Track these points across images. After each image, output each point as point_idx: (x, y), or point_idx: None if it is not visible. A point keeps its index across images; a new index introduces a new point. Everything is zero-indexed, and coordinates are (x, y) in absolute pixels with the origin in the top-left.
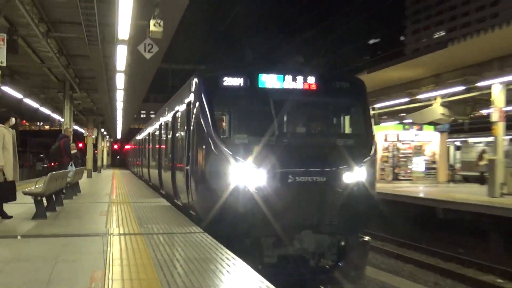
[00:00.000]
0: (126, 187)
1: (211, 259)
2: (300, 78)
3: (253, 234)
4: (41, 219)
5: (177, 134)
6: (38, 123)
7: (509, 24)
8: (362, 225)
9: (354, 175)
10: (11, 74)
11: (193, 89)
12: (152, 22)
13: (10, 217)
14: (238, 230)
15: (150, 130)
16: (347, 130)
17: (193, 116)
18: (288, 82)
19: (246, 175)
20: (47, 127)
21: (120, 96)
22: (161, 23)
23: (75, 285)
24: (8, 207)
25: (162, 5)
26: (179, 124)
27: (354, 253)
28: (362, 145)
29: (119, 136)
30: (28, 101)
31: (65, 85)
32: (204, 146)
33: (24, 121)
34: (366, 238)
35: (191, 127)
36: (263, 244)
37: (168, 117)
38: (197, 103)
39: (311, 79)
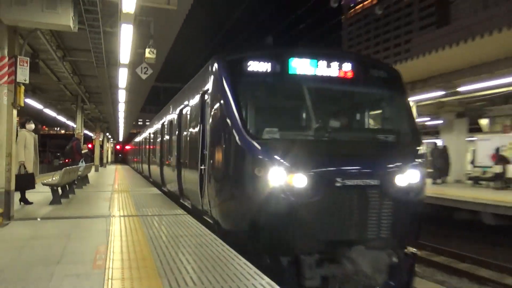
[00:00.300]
0: (126, 179)
1: (193, 235)
2: (335, 64)
3: (292, 251)
4: (56, 204)
5: (187, 130)
6: (55, 128)
7: (412, 59)
8: (416, 235)
9: (408, 177)
10: (33, 89)
11: (212, 74)
12: (147, 50)
13: (31, 203)
14: (273, 246)
15: (152, 129)
16: (391, 124)
17: (211, 107)
18: (323, 68)
19: (285, 178)
20: (63, 131)
21: (121, 107)
22: (154, 51)
23: (83, 256)
24: (29, 195)
25: (155, 37)
26: (189, 118)
27: (404, 269)
28: (410, 142)
29: (120, 138)
30: (48, 111)
31: (77, 98)
32: (228, 143)
33: (44, 127)
34: (414, 250)
35: (209, 120)
36: (304, 263)
37: (173, 114)
38: (218, 91)
39: (347, 65)
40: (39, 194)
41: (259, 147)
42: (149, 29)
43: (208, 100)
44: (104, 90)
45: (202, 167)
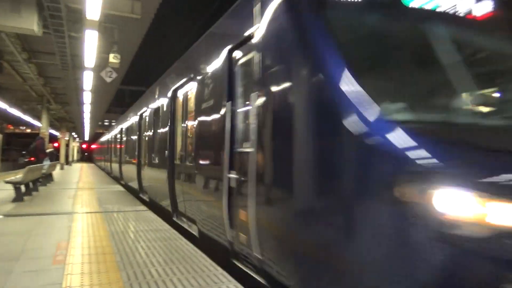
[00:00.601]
0: (91, 177)
1: (154, 229)
2: None
3: None
4: (19, 202)
5: (187, 115)
6: (21, 127)
7: None
8: None
9: None
10: None
11: (274, 12)
12: (111, 55)
13: None
14: None
15: (124, 125)
16: None
17: (269, 70)
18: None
19: (476, 210)
20: (28, 130)
21: (87, 108)
22: (119, 56)
23: (43, 252)
24: None
25: (120, 43)
26: (199, 96)
27: None
28: None
29: (86, 138)
30: (13, 110)
31: (43, 99)
32: (326, 134)
33: (9, 126)
34: None
35: (258, 94)
36: None
37: (161, 99)
38: (294, 38)
39: None
40: (2, 192)
41: (415, 141)
42: (113, 36)
43: (259, 57)
44: (69, 91)
45: (232, 175)
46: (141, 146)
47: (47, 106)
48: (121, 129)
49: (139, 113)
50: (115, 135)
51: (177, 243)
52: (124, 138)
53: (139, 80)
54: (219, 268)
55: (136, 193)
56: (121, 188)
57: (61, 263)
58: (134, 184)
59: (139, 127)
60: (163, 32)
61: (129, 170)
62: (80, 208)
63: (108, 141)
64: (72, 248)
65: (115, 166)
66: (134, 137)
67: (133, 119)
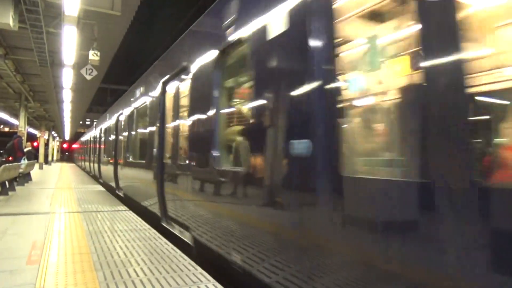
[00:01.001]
0: (71, 176)
1: (133, 229)
2: None
3: None
4: None
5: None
6: None
7: None
8: None
9: None
10: None
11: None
12: (91, 52)
13: None
14: None
15: (102, 126)
16: None
17: None
18: None
19: None
20: (6, 129)
21: (67, 107)
22: (98, 54)
23: (18, 252)
24: None
25: (100, 40)
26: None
27: None
28: None
29: (67, 137)
30: None
31: (21, 97)
32: None
33: None
34: None
35: None
36: None
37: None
38: None
39: None
40: None
41: None
42: (93, 32)
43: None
44: (49, 89)
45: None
46: (116, 147)
47: (26, 104)
48: (100, 129)
49: (115, 116)
50: (95, 135)
51: (156, 243)
52: (103, 139)
53: (122, 79)
54: (198, 268)
55: (113, 189)
56: (101, 188)
57: (36, 263)
58: (112, 182)
59: (115, 129)
60: (145, 29)
61: (107, 169)
62: (58, 208)
63: (88, 141)
64: (48, 248)
65: (95, 165)
66: (111, 138)
67: (110, 121)
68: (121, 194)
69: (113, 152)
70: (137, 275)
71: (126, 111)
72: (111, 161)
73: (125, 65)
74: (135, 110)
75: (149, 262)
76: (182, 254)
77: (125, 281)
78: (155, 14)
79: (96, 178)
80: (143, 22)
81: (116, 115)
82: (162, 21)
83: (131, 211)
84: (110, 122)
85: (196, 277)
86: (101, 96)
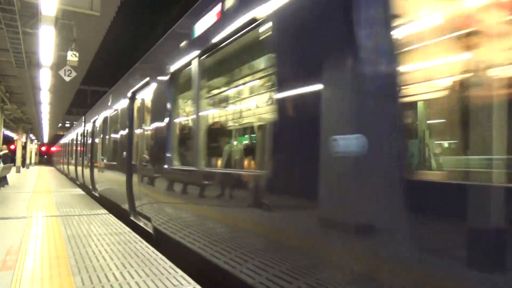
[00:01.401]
0: (49, 180)
1: (113, 233)
2: None
3: None
4: None
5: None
6: None
7: None
8: None
9: None
10: None
11: None
12: (69, 53)
13: None
14: None
15: (79, 130)
16: None
17: None
18: None
19: None
20: None
21: (45, 109)
22: (77, 54)
23: None
24: None
25: (79, 41)
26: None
27: None
28: None
29: (45, 140)
30: None
31: None
32: None
33: None
34: None
35: None
36: None
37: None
38: None
39: None
40: None
41: None
42: (71, 33)
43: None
44: (26, 90)
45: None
46: (92, 150)
47: (2, 106)
48: (77, 133)
49: (91, 121)
50: (73, 138)
51: (136, 246)
52: (80, 142)
53: (103, 80)
54: (179, 271)
55: (90, 190)
56: (80, 191)
57: (11, 269)
58: (89, 184)
59: (92, 132)
60: (126, 30)
61: (84, 170)
62: (36, 212)
63: (66, 144)
64: (23, 253)
65: (74, 168)
66: (88, 142)
67: (86, 126)
68: (96, 194)
69: (89, 155)
70: (116, 279)
71: (100, 118)
72: (89, 164)
73: (106, 66)
74: (108, 117)
75: (129, 266)
76: (163, 258)
77: (103, 286)
78: (137, 14)
79: (74, 180)
80: (125, 22)
81: (91, 121)
82: (144, 22)
83: (111, 215)
84: (86, 127)
85: (177, 280)
86: (81, 98)
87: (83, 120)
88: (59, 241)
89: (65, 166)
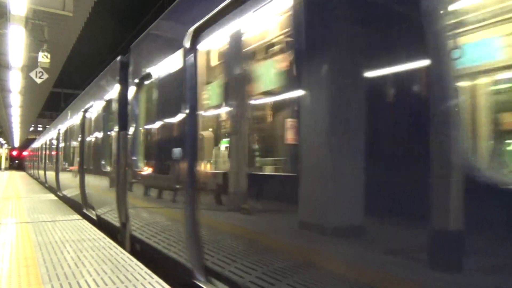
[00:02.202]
0: (20, 185)
1: (86, 239)
2: None
3: None
4: None
5: None
6: None
7: None
8: None
9: None
10: None
11: None
12: (41, 54)
13: None
14: None
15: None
16: None
17: None
18: None
19: None
20: None
21: (16, 111)
22: (49, 56)
23: None
24: None
25: (51, 42)
26: None
27: None
28: None
29: (16, 144)
30: None
31: None
32: None
33: None
34: None
35: None
36: None
37: None
38: None
39: None
40: None
41: None
42: (43, 33)
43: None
44: None
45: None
46: (58, 155)
47: None
48: (45, 140)
49: (59, 127)
50: (42, 144)
51: (111, 252)
52: (49, 148)
53: (76, 83)
54: (154, 276)
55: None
56: (53, 197)
57: None
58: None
59: (64, 137)
60: (100, 31)
61: (50, 173)
62: (4, 218)
63: (36, 149)
64: None
65: (42, 172)
66: (53, 148)
67: (56, 131)
68: (60, 194)
69: (55, 160)
70: (89, 286)
71: (62, 128)
72: (54, 168)
73: (80, 68)
74: (68, 128)
75: (102, 272)
76: (138, 263)
77: None
78: (111, 14)
79: (44, 184)
80: (99, 23)
81: (56, 129)
82: (119, 22)
83: (84, 220)
84: (51, 135)
85: (152, 286)
86: (55, 101)
87: (50, 129)
88: (29, 248)
89: (36, 171)
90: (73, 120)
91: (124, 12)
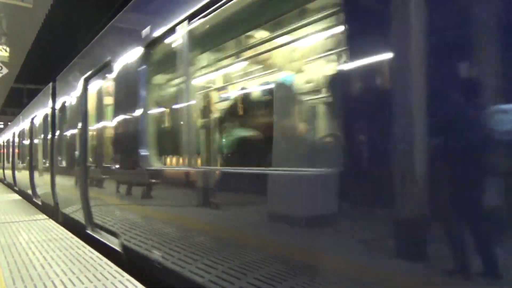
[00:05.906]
0: None
1: (52, 239)
2: None
3: None
4: None
5: None
6: None
7: None
8: None
9: None
10: None
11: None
12: None
13: None
14: None
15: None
16: None
17: None
18: None
19: None
20: None
21: None
22: (8, 50)
23: None
24: None
25: (9, 34)
26: None
27: None
28: None
29: None
30: None
31: None
32: None
33: None
34: None
35: None
36: None
37: None
38: None
39: None
40: None
41: None
42: (1, 26)
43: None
44: None
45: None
46: (15, 154)
47: None
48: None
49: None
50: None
51: (79, 252)
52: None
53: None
54: (125, 274)
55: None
56: (16, 197)
57: None
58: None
59: (18, 139)
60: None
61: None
62: None
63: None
64: None
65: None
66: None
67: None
68: (17, 189)
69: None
70: (56, 287)
71: (17, 130)
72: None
73: (43, 63)
74: (24, 129)
75: (70, 273)
76: (108, 262)
77: None
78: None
79: (12, 185)
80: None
81: (16, 128)
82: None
83: (51, 220)
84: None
85: (123, 284)
86: (17, 97)
87: (6, 131)
88: None
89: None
90: (24, 124)
91: (88, 2)
